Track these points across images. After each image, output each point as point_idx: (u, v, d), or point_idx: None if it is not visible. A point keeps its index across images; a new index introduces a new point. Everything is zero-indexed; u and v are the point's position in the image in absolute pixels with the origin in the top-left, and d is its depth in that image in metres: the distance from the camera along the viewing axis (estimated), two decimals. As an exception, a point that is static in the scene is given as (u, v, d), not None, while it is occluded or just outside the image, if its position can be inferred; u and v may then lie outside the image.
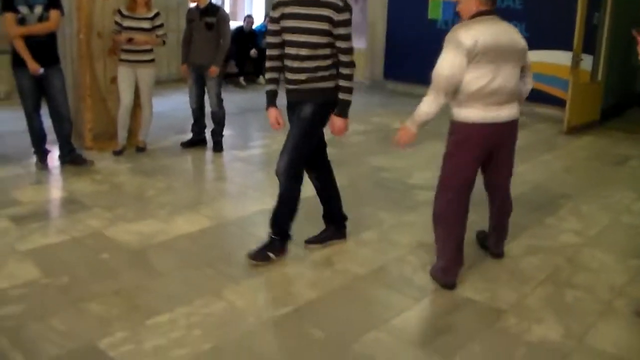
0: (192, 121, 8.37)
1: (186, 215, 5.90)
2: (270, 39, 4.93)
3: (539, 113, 11.17)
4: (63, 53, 7.34)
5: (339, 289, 4.59)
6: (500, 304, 4.47)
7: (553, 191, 7.04)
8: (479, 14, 4.45)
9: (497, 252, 5.24)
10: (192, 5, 8.15)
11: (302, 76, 4.84)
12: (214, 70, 7.96)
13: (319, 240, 5.35)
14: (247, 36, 13.50)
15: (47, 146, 7.21)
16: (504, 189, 5.03)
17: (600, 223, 6.19)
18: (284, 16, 4.76)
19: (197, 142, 8.36)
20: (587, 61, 10.70)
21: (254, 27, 13.90)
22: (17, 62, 6.70)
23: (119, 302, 4.26)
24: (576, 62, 10.03)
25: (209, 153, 8.19)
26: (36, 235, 5.30)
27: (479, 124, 4.50)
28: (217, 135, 8.28)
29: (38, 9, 6.61)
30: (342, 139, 8.78)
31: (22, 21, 6.58)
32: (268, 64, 4.99)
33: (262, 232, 5.30)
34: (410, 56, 13.23)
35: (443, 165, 4.72)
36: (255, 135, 9.48)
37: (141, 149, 7.87)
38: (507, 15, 11.82)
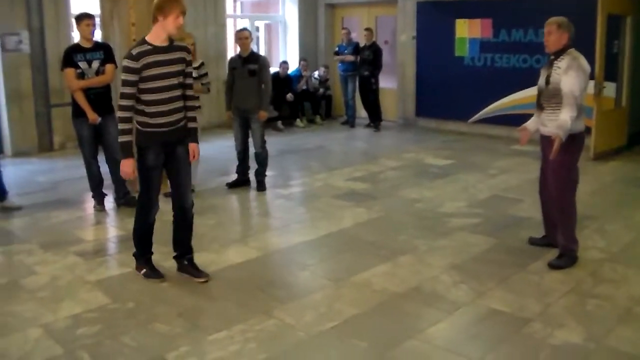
0: (236, 163, 8.89)
1: (235, 248, 6.42)
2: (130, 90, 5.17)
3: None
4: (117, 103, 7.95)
5: (378, 305, 5.06)
6: (526, 313, 4.89)
7: (579, 214, 7.35)
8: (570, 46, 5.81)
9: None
10: (235, 54, 8.72)
11: (177, 116, 5.40)
12: (263, 114, 8.53)
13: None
14: (283, 81, 14.09)
15: (105, 190, 7.82)
16: None
17: (622, 240, 6.59)
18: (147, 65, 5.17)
19: (241, 182, 8.87)
20: (611, 89, 11.11)
21: (289, 72, 14.49)
22: (77, 113, 7.38)
23: (181, 322, 4.77)
24: (599, 89, 10.42)
25: (253, 192, 8.70)
26: (102, 268, 5.86)
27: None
28: (261, 175, 8.78)
29: (95, 64, 7.30)
30: (377, 175, 9.33)
31: (81, 75, 7.28)
32: (127, 114, 5.21)
33: (304, 259, 5.87)
34: (440, 93, 13.71)
35: (568, 170, 5.87)
36: (294, 174, 10.00)
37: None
38: (532, 48, 12.36)
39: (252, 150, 8.73)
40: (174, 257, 5.80)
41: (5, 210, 7.60)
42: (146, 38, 5.22)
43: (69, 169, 9.71)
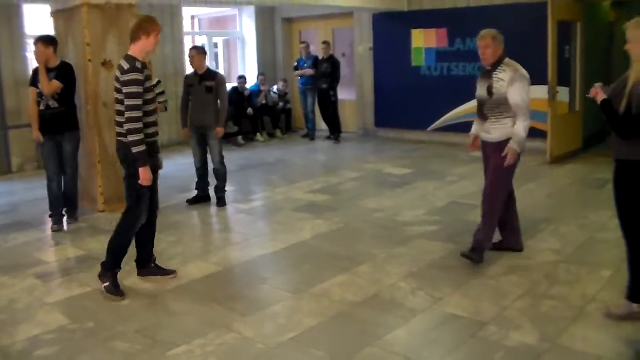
0: (196, 180, 8.91)
1: (196, 263, 6.43)
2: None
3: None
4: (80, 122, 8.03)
5: (337, 315, 5.11)
6: (482, 317, 4.98)
7: (535, 217, 7.54)
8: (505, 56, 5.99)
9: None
10: (190, 71, 8.76)
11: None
12: (220, 130, 8.59)
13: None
14: (242, 96, 14.13)
15: (64, 211, 7.82)
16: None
17: (577, 242, 6.71)
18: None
19: (202, 198, 8.89)
20: (564, 94, 11.32)
21: (248, 87, 14.53)
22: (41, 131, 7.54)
23: (141, 339, 4.77)
24: (552, 94, 10.62)
25: (213, 208, 8.72)
26: (61, 289, 5.84)
27: None
28: (221, 191, 8.81)
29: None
30: (337, 186, 9.41)
31: (40, 95, 7.46)
32: (139, 125, 5.42)
33: (264, 273, 5.93)
34: (398, 103, 13.87)
35: (508, 172, 6.00)
36: (255, 189, 10.01)
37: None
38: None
39: (211, 166, 8.75)
40: (140, 264, 6.01)
41: (-37, 235, 7.55)
42: (132, 54, 5.48)
43: (28, 191, 9.65)
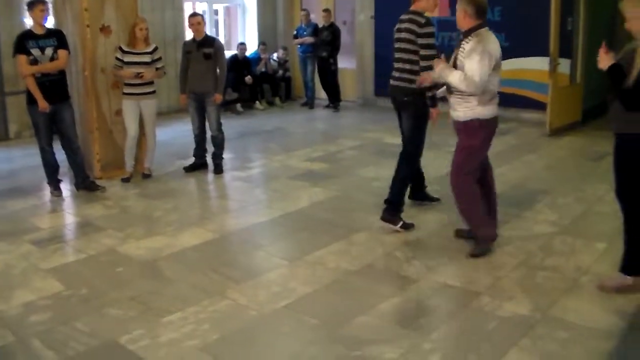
0: (193, 147, 8.90)
1: (192, 230, 6.43)
2: None
3: (523, 118, 11.75)
4: (71, 89, 7.89)
5: (331, 283, 5.12)
6: (476, 287, 4.99)
7: (532, 188, 7.54)
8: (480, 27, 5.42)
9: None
10: (189, 37, 8.70)
11: None
12: (218, 97, 8.58)
13: None
14: (241, 63, 14.05)
15: (60, 177, 7.78)
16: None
17: (573, 213, 6.71)
18: None
19: (199, 165, 8.88)
20: (566, 65, 11.26)
21: (247, 54, 14.45)
22: (31, 100, 7.27)
23: (135, 305, 4.79)
24: (554, 66, 10.55)
25: (210, 175, 8.72)
26: (56, 256, 5.84)
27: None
28: (218, 158, 8.81)
29: (49, 51, 7.21)
30: (335, 155, 9.40)
31: (34, 62, 7.19)
32: None
33: (260, 240, 5.94)
34: (398, 72, 13.73)
35: (468, 155, 5.61)
36: (253, 156, 9.98)
37: (147, 175, 8.40)
38: (489, 26, 12.33)
39: (209, 133, 8.74)
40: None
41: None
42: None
43: (26, 157, 9.61)
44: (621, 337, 4.22)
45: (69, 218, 7.04)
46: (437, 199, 7.08)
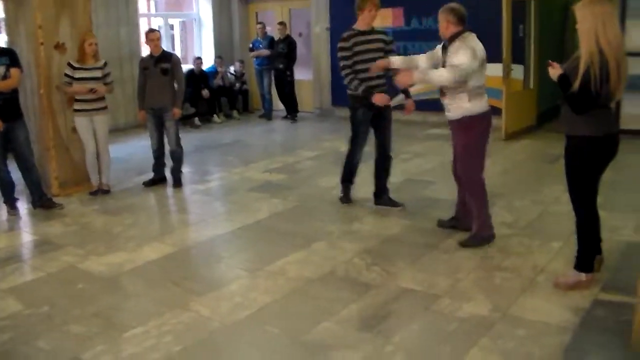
0: (152, 162, 8.86)
1: (152, 245, 6.41)
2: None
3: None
4: (25, 107, 7.82)
5: (292, 292, 5.16)
6: (436, 290, 5.06)
7: (489, 192, 7.52)
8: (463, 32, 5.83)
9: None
10: (145, 53, 8.67)
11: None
12: (177, 112, 8.58)
13: None
14: (198, 78, 14.04)
15: (16, 195, 7.69)
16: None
17: (530, 215, 6.83)
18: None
19: (158, 180, 8.85)
20: (519, 71, 11.45)
21: (204, 68, 14.45)
22: None
23: (97, 322, 4.77)
24: (507, 72, 10.74)
25: (169, 189, 8.69)
26: (14, 275, 5.77)
27: None
28: (177, 172, 8.79)
29: (1, 69, 7.14)
30: (294, 165, 9.45)
31: None
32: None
33: (220, 252, 6.01)
34: (355, 82, 13.81)
35: (470, 151, 5.95)
36: (211, 169, 9.95)
37: (105, 191, 8.36)
38: (437, 35, 12.49)
39: (168, 148, 8.72)
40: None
41: None
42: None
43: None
44: (575, 332, 4.32)
45: (27, 237, 6.97)
46: (401, 205, 7.17)
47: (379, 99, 6.90)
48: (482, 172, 6.05)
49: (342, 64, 7.06)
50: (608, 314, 4.56)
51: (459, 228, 6.30)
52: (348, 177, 7.50)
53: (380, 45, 7.08)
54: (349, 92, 7.16)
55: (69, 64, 8.01)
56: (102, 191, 8.35)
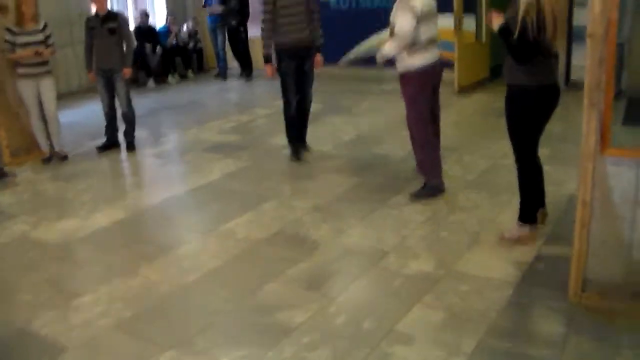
0: (105, 125, 8.80)
1: (104, 210, 6.41)
2: None
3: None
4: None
5: (240, 254, 5.22)
6: (383, 246, 5.15)
7: (441, 146, 7.72)
8: None
9: None
10: (92, 13, 8.54)
11: None
12: (127, 71, 8.48)
13: None
14: (145, 33, 13.86)
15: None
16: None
17: (478, 169, 6.94)
18: None
19: (111, 144, 8.78)
20: (471, 22, 11.44)
21: (157, 28, 14.27)
22: None
23: (47, 289, 4.80)
24: (458, 22, 10.73)
25: (123, 153, 8.65)
26: (-36, 245, 5.78)
27: None
28: (130, 135, 8.74)
29: None
30: (248, 125, 9.44)
31: None
32: None
33: (172, 215, 6.04)
34: (309, 38, 13.77)
35: (413, 103, 6.04)
36: (165, 132, 9.90)
37: (63, 157, 8.29)
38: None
39: (120, 110, 8.67)
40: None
41: None
42: None
43: None
44: (517, 286, 4.43)
45: (-21, 206, 6.94)
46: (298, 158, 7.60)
47: (269, 70, 7.68)
48: (424, 124, 6.11)
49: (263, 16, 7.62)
50: (549, 267, 4.68)
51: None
52: (291, 133, 7.64)
53: None
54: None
55: (8, 29, 7.79)
56: (58, 157, 8.26)
